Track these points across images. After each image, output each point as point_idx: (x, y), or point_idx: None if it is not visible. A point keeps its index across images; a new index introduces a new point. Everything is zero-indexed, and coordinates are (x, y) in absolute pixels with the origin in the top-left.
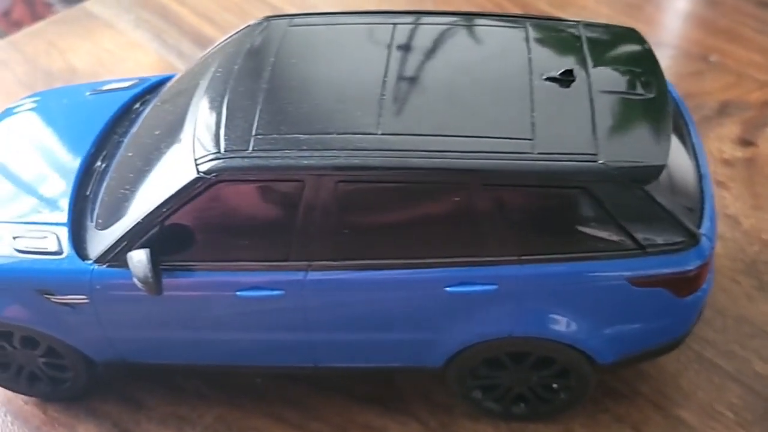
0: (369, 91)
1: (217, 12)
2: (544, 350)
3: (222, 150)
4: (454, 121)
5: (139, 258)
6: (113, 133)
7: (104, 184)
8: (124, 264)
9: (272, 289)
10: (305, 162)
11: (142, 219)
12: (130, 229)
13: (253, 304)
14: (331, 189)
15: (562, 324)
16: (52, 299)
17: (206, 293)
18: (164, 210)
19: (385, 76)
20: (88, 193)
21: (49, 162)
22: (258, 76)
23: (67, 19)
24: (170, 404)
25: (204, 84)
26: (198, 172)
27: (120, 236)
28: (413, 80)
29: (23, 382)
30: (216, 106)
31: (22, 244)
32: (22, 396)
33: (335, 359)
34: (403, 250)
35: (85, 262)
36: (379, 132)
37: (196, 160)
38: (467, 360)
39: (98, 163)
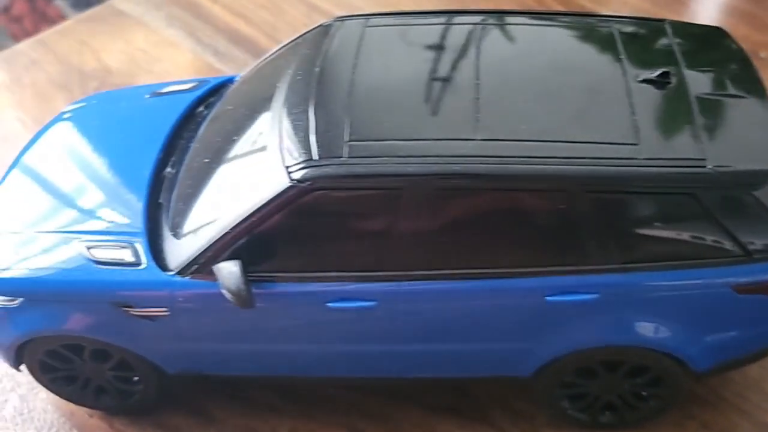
0: (462, 95)
1: (251, 9)
2: (640, 359)
3: (315, 157)
4: (553, 126)
5: (229, 270)
6: (179, 138)
7: (178, 192)
8: (208, 275)
9: (364, 300)
10: (405, 169)
11: (230, 229)
12: (216, 240)
13: (344, 315)
14: (431, 197)
15: (661, 332)
16: (131, 312)
17: (295, 304)
18: (253, 219)
19: (477, 78)
20: (160, 200)
21: (115, 168)
22: (342, 79)
23: (97, 17)
24: (241, 416)
25: (284, 88)
26: (291, 180)
27: (204, 247)
28: (506, 83)
29: (90, 395)
30: (302, 112)
31: (99, 255)
32: (86, 409)
33: (422, 370)
34: (503, 259)
35: (166, 273)
36: (478, 137)
37: (287, 167)
38: (559, 369)
39: (168, 169)
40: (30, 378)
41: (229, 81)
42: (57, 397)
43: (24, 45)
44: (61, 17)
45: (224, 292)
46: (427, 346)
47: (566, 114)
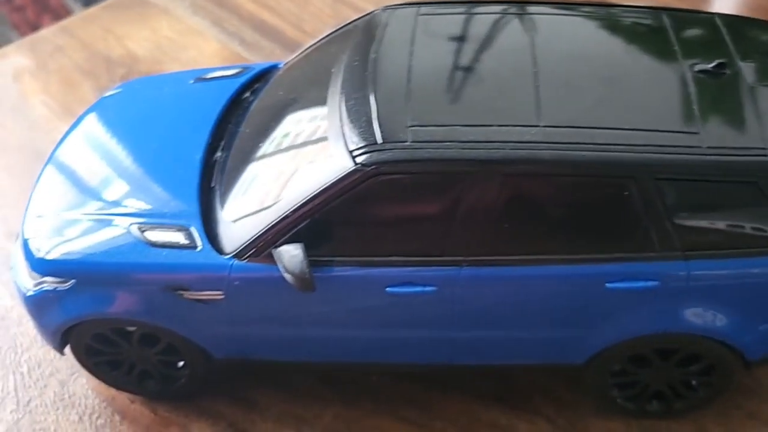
0: (522, 82)
1: (276, 0)
2: (695, 347)
3: (379, 141)
4: (614, 114)
5: (292, 253)
6: (227, 123)
7: (230, 176)
8: (266, 259)
9: (424, 285)
10: (470, 155)
11: (290, 212)
12: (276, 223)
13: (402, 301)
14: (495, 182)
15: (718, 320)
16: (185, 295)
17: (353, 289)
18: (315, 203)
19: (535, 66)
20: (213, 184)
21: (163, 152)
22: (400, 66)
23: (121, 4)
24: (284, 403)
25: (339, 74)
26: (355, 163)
27: (263, 230)
28: (565, 71)
29: (133, 380)
30: (362, 97)
31: (154, 237)
32: (128, 394)
33: (474, 357)
34: (564, 246)
35: (222, 256)
36: (542, 124)
37: (351, 152)
38: (613, 357)
39: (218, 154)
40: (70, 363)
41: (274, 67)
42: (98, 383)
43: (47, 31)
44: (64, 8)
45: (285, 275)
46: (483, 333)
47: (625, 102)
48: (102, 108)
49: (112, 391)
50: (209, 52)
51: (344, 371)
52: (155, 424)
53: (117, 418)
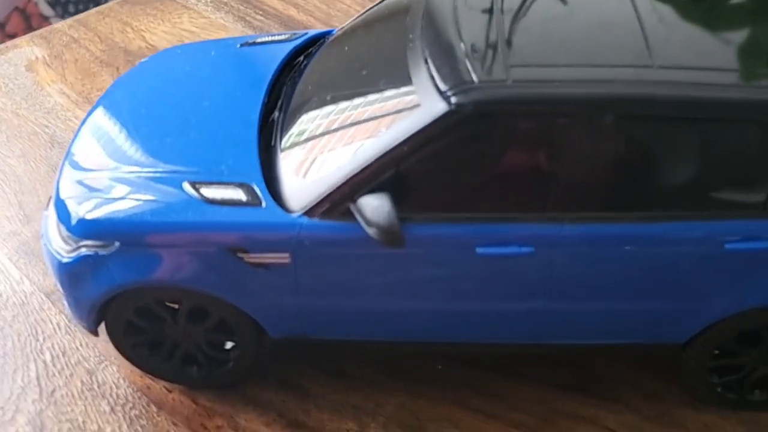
0: (626, 21)
1: None
2: None
3: (475, 80)
4: (729, 57)
5: (377, 204)
6: (282, 84)
7: (294, 133)
8: (341, 216)
9: (520, 246)
10: (582, 95)
11: (371, 162)
12: (354, 175)
13: (493, 264)
14: (608, 126)
15: None
16: (246, 258)
17: (439, 250)
18: (400, 151)
19: (635, 7)
20: (273, 143)
21: (215, 111)
22: (490, 5)
23: (137, 1)
24: (340, 392)
25: (417, 19)
26: (450, 104)
27: (339, 183)
28: (670, 10)
29: (174, 364)
30: (451, 37)
31: (211, 194)
32: (165, 383)
33: (565, 335)
34: (680, 200)
35: (290, 214)
36: (655, 65)
37: (443, 92)
38: (720, 334)
39: (276, 114)
40: (97, 351)
41: (328, 33)
42: (130, 371)
43: (61, 24)
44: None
45: (369, 230)
46: (580, 305)
47: (740, 43)
48: (144, 69)
49: (147, 380)
50: None
51: (405, 358)
52: (196, 415)
53: (153, 408)
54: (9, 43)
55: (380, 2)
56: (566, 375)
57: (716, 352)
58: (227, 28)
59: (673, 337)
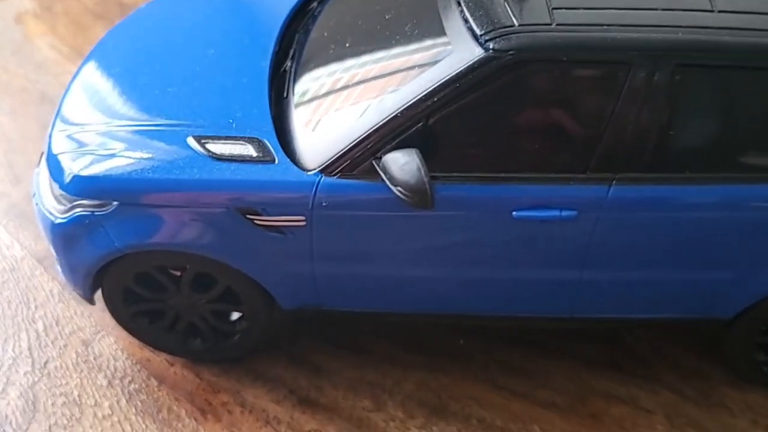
0: None
1: None
2: None
3: (515, 24)
4: None
5: (405, 161)
6: (294, 32)
7: (309, 83)
8: (362, 174)
9: (561, 209)
10: (638, 40)
11: (396, 115)
12: (378, 129)
13: (529, 229)
14: (665, 75)
15: None
16: (256, 221)
17: (471, 214)
18: (429, 102)
19: None
20: (286, 95)
21: (222, 59)
22: None
23: None
24: (356, 368)
25: None
26: (487, 50)
27: (361, 138)
28: None
29: (176, 336)
30: None
31: (218, 150)
32: (166, 356)
33: (603, 307)
34: (742, 160)
35: (306, 172)
36: (716, 9)
37: (480, 36)
38: None
39: (288, 63)
40: (93, 321)
41: None
42: (129, 342)
43: None
44: None
45: (396, 190)
46: (623, 275)
47: None
48: (142, 16)
49: (147, 352)
50: None
51: (436, 327)
52: (200, 390)
53: (154, 382)
54: None
55: None
56: (598, 351)
57: (764, 328)
58: None
59: (720, 312)
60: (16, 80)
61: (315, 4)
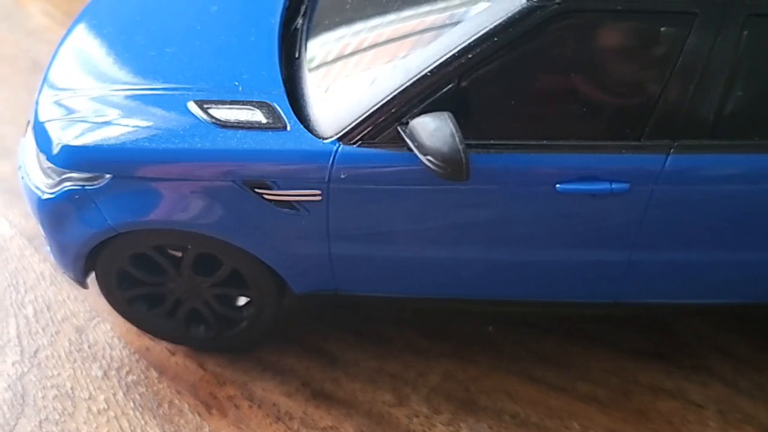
0: None
1: None
2: None
3: None
4: None
5: (436, 125)
6: None
7: (323, 42)
8: (386, 143)
9: (612, 182)
10: None
11: (427, 73)
12: (404, 90)
13: (575, 205)
14: (733, 27)
15: None
16: (266, 195)
17: (509, 185)
18: (465, 59)
19: None
20: (297, 55)
21: (226, 17)
22: None
23: None
24: (374, 359)
25: None
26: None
27: (385, 101)
28: None
29: (177, 323)
30: None
31: (223, 115)
32: (167, 344)
33: (652, 292)
34: None
35: (321, 140)
36: None
37: None
38: None
39: (299, 20)
40: (88, 306)
41: None
42: (126, 329)
43: None
44: None
45: (425, 159)
46: (677, 256)
47: None
48: None
49: (146, 340)
50: None
51: (463, 314)
52: (204, 383)
53: (154, 373)
54: None
55: None
56: (642, 340)
57: None
58: None
59: None
60: (6, 48)
61: None
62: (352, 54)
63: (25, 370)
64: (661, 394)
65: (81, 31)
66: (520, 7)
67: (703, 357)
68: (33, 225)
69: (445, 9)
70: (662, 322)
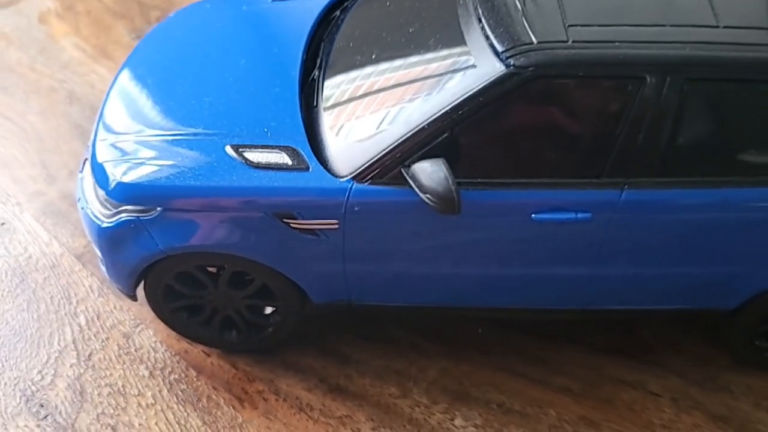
0: None
1: None
2: None
3: (534, 41)
4: None
5: (433, 169)
6: (320, 41)
7: (338, 93)
8: (391, 181)
9: (576, 212)
10: (648, 56)
11: (424, 125)
12: (407, 138)
13: (548, 230)
14: (674, 88)
15: None
16: (293, 224)
17: (493, 216)
18: (455, 114)
19: None
20: (316, 104)
21: (252, 70)
22: None
23: None
24: (381, 357)
25: None
26: (508, 66)
27: (391, 147)
28: None
29: (213, 329)
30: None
31: (256, 158)
32: (202, 347)
33: (614, 300)
34: (746, 165)
35: (338, 179)
36: (721, 25)
37: (501, 53)
38: None
39: (315, 73)
40: (132, 314)
41: None
42: (167, 335)
43: None
44: None
45: (424, 196)
46: (633, 270)
47: None
48: (173, 24)
49: (184, 344)
50: None
51: (457, 319)
52: (236, 380)
53: (192, 372)
54: None
55: None
56: (611, 340)
57: (765, 317)
58: None
59: (726, 303)
60: (44, 80)
61: (338, 12)
62: (362, 103)
63: (82, 371)
64: (624, 386)
65: (127, 78)
66: (500, 73)
67: (661, 353)
68: (80, 244)
69: (438, 68)
70: (627, 324)
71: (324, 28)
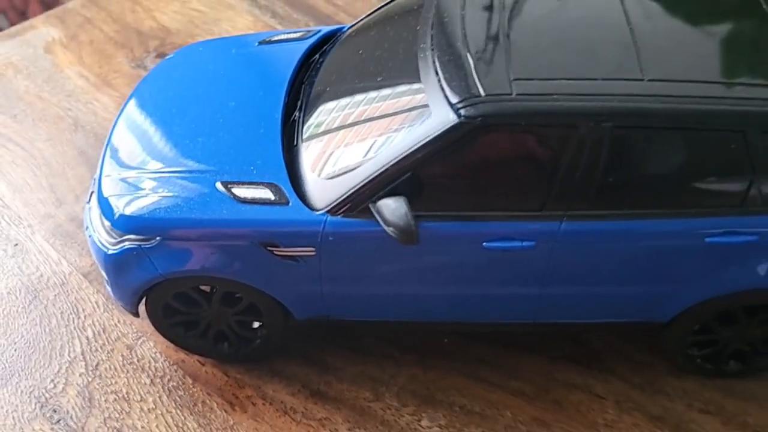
0: (619, 36)
1: None
2: None
3: (482, 94)
4: (717, 68)
5: (395, 206)
6: (301, 83)
7: (314, 133)
8: (361, 214)
9: (522, 240)
10: (580, 108)
11: (388, 167)
12: (373, 177)
13: (498, 256)
14: (602, 136)
15: None
16: (275, 252)
17: (450, 245)
18: (414, 158)
19: (628, 19)
20: (296, 143)
21: (239, 112)
22: (493, 21)
23: None
24: (358, 365)
25: (427, 30)
26: (460, 116)
27: (360, 185)
28: (659, 26)
29: (207, 341)
30: (457, 52)
31: (242, 193)
32: (198, 357)
33: (560, 315)
34: (667, 200)
35: (314, 212)
36: (646, 78)
37: (453, 105)
38: (700, 314)
39: (296, 113)
40: (135, 328)
41: (339, 30)
42: (166, 346)
43: (75, 3)
44: None
45: (388, 229)
46: (574, 289)
47: (725, 56)
48: (170, 66)
49: (182, 354)
50: (242, 25)
51: (424, 331)
52: (228, 386)
53: (189, 380)
54: (26, 23)
55: (390, 2)
56: (561, 348)
57: (696, 328)
58: (235, 8)
59: (659, 317)
60: (51, 108)
61: (317, 56)
62: (336, 142)
63: (90, 379)
64: (573, 389)
65: (129, 118)
66: (453, 123)
67: (607, 360)
68: (86, 263)
69: (400, 115)
70: (575, 334)
71: (305, 70)
